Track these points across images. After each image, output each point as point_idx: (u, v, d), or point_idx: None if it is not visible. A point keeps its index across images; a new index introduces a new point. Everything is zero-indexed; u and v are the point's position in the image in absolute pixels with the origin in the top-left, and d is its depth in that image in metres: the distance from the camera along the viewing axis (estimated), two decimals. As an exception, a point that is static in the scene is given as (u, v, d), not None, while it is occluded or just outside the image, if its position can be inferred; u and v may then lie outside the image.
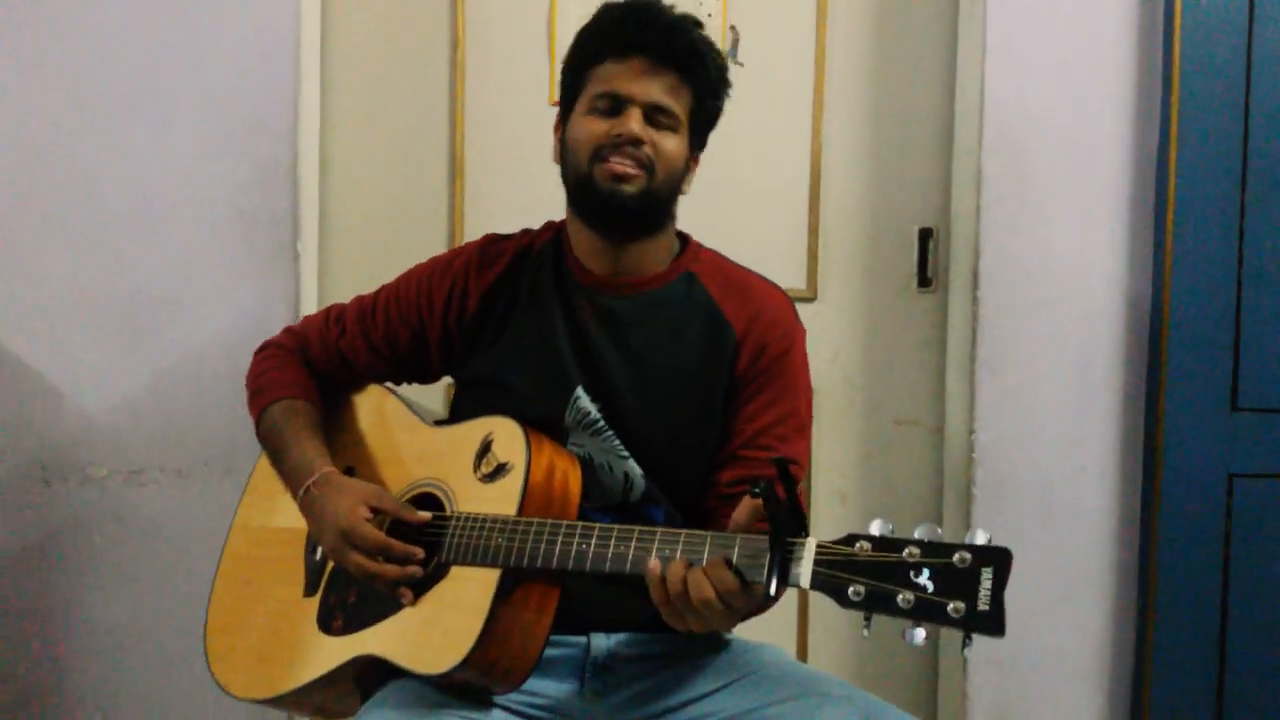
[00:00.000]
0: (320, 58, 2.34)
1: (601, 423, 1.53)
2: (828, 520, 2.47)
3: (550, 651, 1.47)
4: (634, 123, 1.50)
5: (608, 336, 1.55)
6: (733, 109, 2.37)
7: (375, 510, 1.48)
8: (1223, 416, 2.30)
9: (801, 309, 2.41)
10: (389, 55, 2.39)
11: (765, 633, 1.60)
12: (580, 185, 1.53)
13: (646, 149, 1.50)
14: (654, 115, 1.51)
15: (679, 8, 1.56)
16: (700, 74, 1.54)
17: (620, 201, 1.50)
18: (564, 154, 1.56)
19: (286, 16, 2.24)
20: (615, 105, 1.51)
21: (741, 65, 2.41)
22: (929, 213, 2.45)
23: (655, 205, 1.53)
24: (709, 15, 2.37)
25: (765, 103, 2.41)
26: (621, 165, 1.49)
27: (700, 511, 1.55)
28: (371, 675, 1.47)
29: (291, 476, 1.57)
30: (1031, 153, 2.31)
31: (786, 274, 2.43)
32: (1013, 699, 2.37)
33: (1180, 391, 2.28)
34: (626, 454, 1.53)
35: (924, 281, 2.44)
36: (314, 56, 2.32)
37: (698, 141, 1.60)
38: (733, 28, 2.40)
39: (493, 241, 1.64)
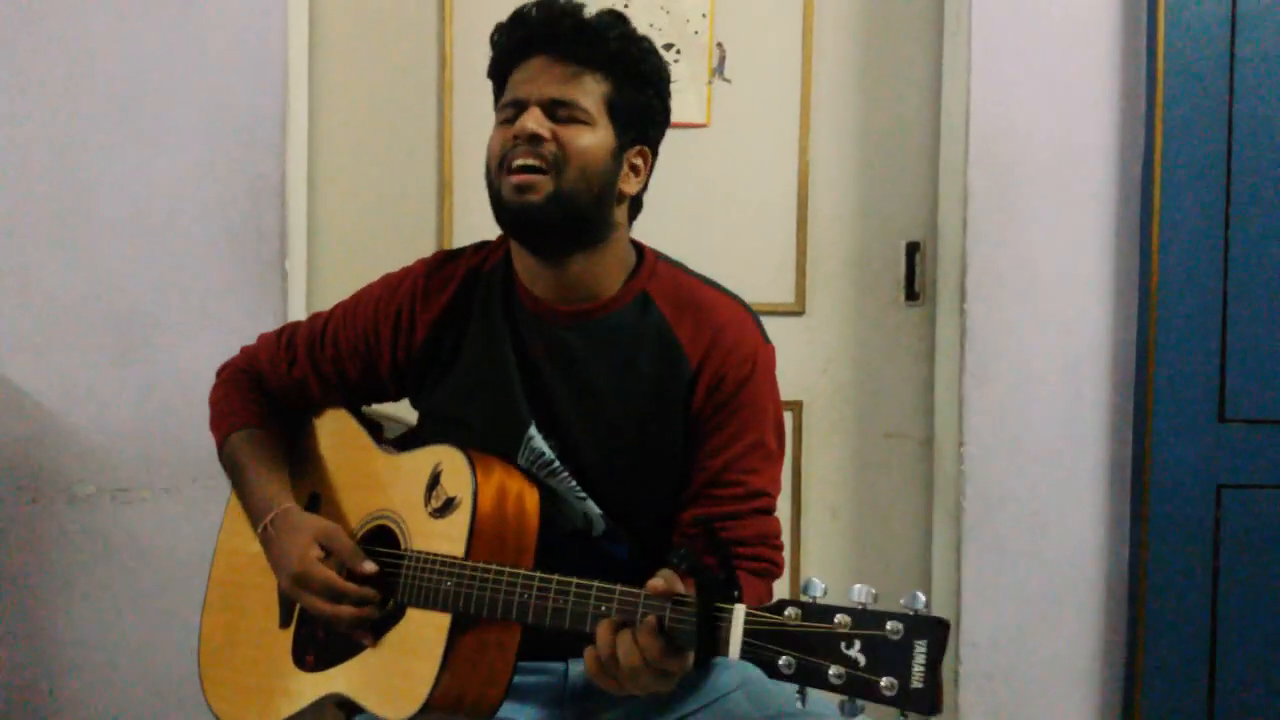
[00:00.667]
0: (309, 75, 2.35)
1: (556, 463, 1.45)
2: (819, 535, 2.47)
3: (529, 679, 1.44)
4: (529, 120, 1.39)
5: (560, 372, 1.46)
6: (721, 125, 2.42)
7: (327, 550, 1.43)
8: (1210, 428, 2.30)
9: (790, 323, 2.47)
10: (377, 73, 2.40)
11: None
12: (494, 203, 1.43)
13: (549, 145, 1.39)
14: (555, 110, 1.40)
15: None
16: (600, 54, 1.42)
17: (526, 213, 1.39)
18: (486, 176, 1.46)
19: (275, 34, 2.24)
20: (517, 111, 1.42)
21: (729, 82, 2.42)
22: (916, 227, 2.46)
23: (573, 210, 1.40)
24: (695, 33, 2.38)
25: (752, 119, 2.42)
26: (521, 175, 1.38)
27: (665, 549, 1.44)
28: (350, 702, 1.44)
29: (252, 513, 1.53)
30: (1017, 166, 2.32)
31: (775, 288, 2.44)
32: (1005, 710, 2.37)
33: (1168, 403, 2.29)
34: (584, 494, 1.46)
35: (911, 295, 2.45)
36: (302, 74, 2.33)
37: (633, 136, 1.45)
38: (719, 45, 2.41)
39: (443, 262, 1.56)
